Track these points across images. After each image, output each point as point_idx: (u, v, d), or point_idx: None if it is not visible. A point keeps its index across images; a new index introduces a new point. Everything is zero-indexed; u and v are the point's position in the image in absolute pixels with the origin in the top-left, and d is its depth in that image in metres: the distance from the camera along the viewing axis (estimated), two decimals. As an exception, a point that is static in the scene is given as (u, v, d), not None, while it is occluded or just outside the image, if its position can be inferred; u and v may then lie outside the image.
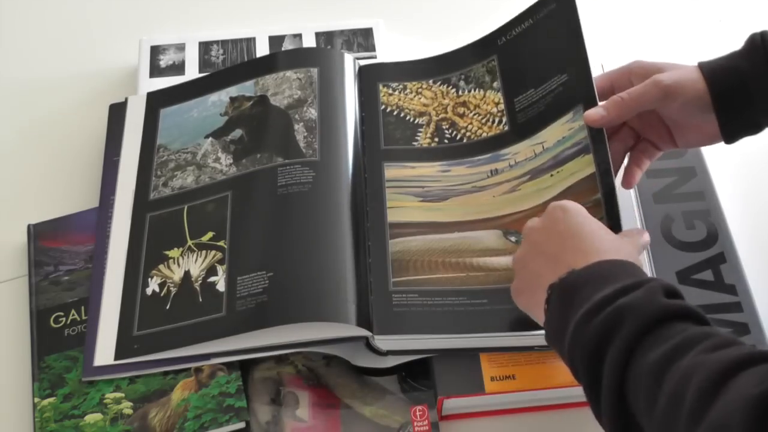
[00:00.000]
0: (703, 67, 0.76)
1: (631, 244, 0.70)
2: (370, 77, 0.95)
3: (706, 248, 0.83)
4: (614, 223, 0.73)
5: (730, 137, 0.77)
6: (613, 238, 0.69)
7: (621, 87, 0.79)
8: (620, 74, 0.81)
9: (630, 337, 0.56)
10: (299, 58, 0.95)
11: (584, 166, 0.78)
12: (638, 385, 0.55)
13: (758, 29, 0.76)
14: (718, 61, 0.76)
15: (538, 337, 0.73)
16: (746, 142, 0.82)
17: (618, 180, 0.81)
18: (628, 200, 0.81)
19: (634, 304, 0.57)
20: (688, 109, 0.75)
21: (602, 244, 0.67)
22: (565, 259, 0.66)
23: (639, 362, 0.55)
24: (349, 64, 0.95)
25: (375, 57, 1.02)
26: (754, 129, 0.77)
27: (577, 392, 0.74)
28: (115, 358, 0.77)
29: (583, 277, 0.63)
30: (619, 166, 0.82)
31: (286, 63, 0.95)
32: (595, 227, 0.69)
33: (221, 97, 0.94)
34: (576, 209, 0.70)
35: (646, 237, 0.74)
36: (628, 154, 0.82)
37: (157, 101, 0.96)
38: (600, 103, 0.78)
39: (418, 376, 0.77)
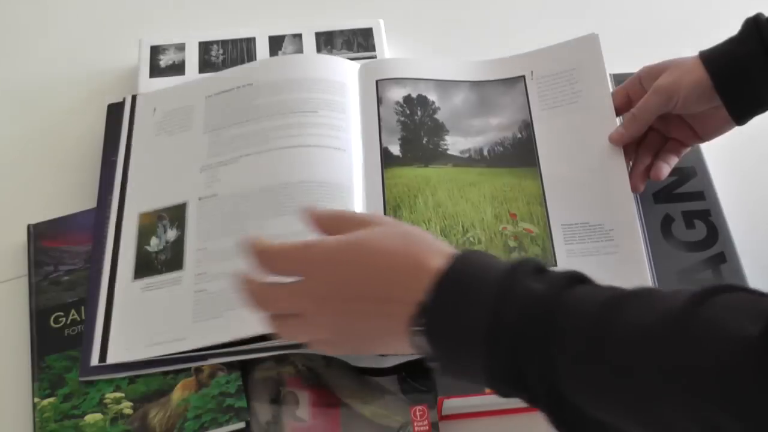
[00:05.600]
0: (702, 55, 0.80)
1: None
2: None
3: (706, 248, 0.83)
4: None
5: (740, 118, 0.80)
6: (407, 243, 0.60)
7: (636, 94, 0.85)
8: (632, 83, 0.86)
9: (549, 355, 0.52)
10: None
11: None
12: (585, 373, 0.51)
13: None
14: (716, 48, 0.80)
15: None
16: (746, 143, 0.82)
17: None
18: (627, 200, 0.81)
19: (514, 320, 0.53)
20: (692, 98, 0.80)
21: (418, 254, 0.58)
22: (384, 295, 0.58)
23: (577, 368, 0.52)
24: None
25: (375, 57, 1.02)
26: (762, 107, 0.80)
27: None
28: (99, 360, 0.77)
29: (441, 303, 0.56)
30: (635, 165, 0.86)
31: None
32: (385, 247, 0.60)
33: None
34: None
35: None
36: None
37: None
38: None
39: (418, 376, 0.77)
